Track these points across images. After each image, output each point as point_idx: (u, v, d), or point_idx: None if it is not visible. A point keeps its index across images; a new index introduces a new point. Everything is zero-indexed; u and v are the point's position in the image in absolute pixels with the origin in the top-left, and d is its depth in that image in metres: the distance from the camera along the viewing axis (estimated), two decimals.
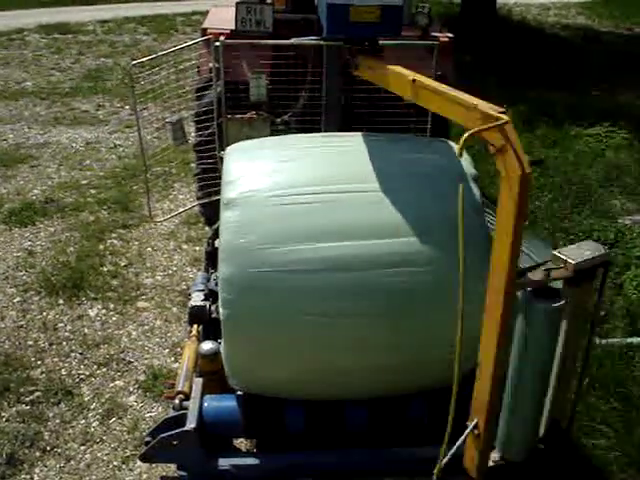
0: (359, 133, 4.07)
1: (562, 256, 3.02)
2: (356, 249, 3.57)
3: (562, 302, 2.99)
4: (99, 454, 4.28)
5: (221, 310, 3.67)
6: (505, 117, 2.69)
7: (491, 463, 3.31)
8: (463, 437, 3.10)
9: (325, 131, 4.97)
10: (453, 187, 3.51)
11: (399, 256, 3.57)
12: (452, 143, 4.14)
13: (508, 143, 2.70)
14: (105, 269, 6.05)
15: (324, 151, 3.87)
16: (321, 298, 3.59)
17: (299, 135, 4.23)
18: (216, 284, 4.72)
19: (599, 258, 3.06)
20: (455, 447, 3.11)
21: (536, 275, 2.98)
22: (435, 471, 3.19)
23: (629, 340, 5.11)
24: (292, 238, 3.56)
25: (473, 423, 3.08)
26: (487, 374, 3.00)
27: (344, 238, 3.57)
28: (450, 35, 5.55)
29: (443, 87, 3.18)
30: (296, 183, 3.64)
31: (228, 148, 4.07)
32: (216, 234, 4.84)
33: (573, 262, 2.99)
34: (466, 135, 2.66)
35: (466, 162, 3.89)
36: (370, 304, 3.61)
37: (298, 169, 3.75)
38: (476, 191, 3.77)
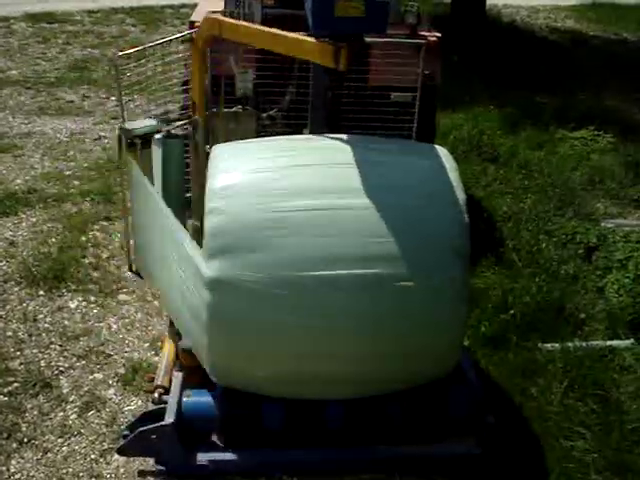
0: (344, 137, 4.06)
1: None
2: (337, 250, 3.59)
3: None
4: (77, 447, 4.25)
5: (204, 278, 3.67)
6: None
7: None
8: None
9: (311, 127, 4.97)
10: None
11: (375, 261, 3.60)
12: (440, 148, 4.16)
13: None
14: (87, 261, 6.01)
15: (311, 164, 3.86)
16: (302, 299, 3.61)
17: (284, 142, 4.20)
18: None
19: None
20: None
21: None
22: None
23: (609, 343, 5.14)
24: (274, 241, 3.59)
25: None
26: None
27: (324, 236, 3.61)
28: (438, 35, 5.57)
29: None
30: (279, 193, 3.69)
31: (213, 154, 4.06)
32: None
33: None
34: None
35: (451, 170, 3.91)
36: (349, 305, 3.63)
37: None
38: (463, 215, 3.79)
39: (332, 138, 4.08)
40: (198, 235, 4.11)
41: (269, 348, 3.70)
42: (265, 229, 3.57)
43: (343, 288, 3.58)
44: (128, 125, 4.99)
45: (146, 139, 4.90)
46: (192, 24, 5.38)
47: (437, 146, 4.14)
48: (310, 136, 4.39)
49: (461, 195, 3.77)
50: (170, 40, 5.26)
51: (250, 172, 3.75)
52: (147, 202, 4.52)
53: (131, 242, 5.55)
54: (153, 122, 4.97)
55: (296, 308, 3.60)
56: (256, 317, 3.62)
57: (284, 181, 3.68)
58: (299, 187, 3.67)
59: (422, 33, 5.48)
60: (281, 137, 4.41)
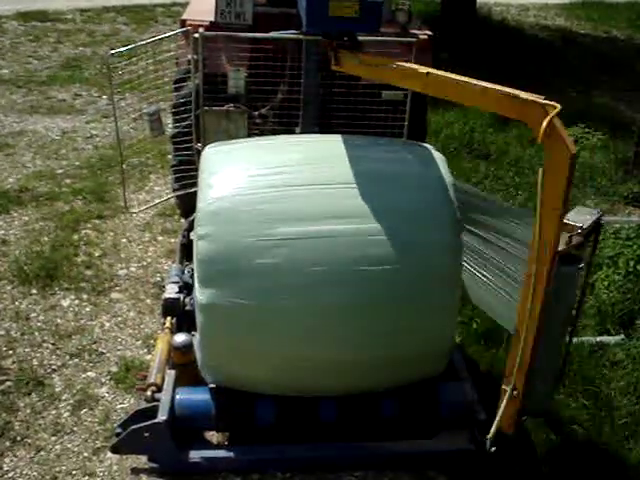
0: (337, 142, 4.07)
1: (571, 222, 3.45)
2: (329, 245, 3.62)
3: (582, 265, 3.47)
4: (69, 445, 4.26)
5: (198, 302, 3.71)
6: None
7: None
8: (504, 401, 3.41)
9: (303, 126, 4.99)
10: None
11: (371, 257, 3.62)
12: (429, 147, 4.19)
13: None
14: (79, 259, 6.01)
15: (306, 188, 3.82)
16: (296, 298, 3.64)
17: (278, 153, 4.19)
18: (190, 277, 4.74)
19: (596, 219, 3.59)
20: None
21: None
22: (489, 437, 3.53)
23: (599, 339, 5.17)
24: (265, 268, 3.61)
25: (511, 385, 3.38)
26: (528, 339, 3.27)
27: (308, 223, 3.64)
28: (429, 33, 5.58)
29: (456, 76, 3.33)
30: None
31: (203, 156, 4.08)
32: (191, 226, 4.84)
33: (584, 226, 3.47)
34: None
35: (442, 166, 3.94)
36: (343, 300, 3.66)
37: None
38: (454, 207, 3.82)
39: (324, 143, 4.08)
40: None
41: (262, 350, 3.74)
42: (256, 257, 3.59)
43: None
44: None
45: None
46: (183, 22, 5.38)
47: (428, 146, 4.18)
48: (304, 141, 4.35)
49: (452, 195, 3.81)
50: (162, 38, 5.27)
51: (242, 194, 3.69)
52: None
53: None
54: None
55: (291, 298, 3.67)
56: (248, 335, 3.71)
57: (277, 205, 3.65)
58: (292, 212, 3.65)
59: (413, 31, 5.49)
60: (274, 140, 4.36)
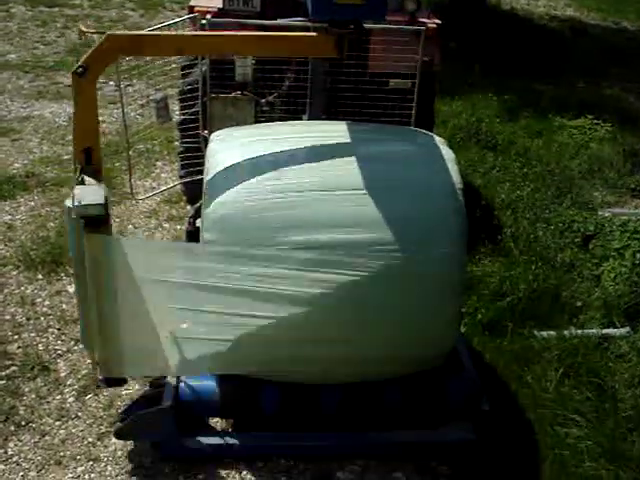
0: (345, 127, 4.05)
1: None
2: (327, 239, 3.62)
3: None
4: (74, 430, 4.27)
5: None
6: None
7: None
8: None
9: (310, 114, 4.97)
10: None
11: (367, 246, 3.62)
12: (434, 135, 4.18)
13: None
14: None
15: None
16: (296, 285, 3.64)
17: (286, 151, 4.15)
18: None
19: None
20: None
21: None
22: None
23: (604, 331, 5.16)
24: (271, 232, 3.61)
25: None
26: None
27: (315, 231, 3.63)
28: (438, 21, 5.56)
29: None
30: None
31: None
32: (197, 213, 4.84)
33: None
34: None
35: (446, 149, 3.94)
36: (340, 290, 3.66)
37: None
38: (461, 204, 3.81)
39: (331, 135, 4.06)
40: None
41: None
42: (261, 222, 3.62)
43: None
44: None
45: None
46: (191, 8, 5.37)
47: (435, 136, 4.16)
48: (309, 135, 4.30)
49: (458, 182, 3.79)
50: (169, 25, 5.25)
51: (249, 200, 3.66)
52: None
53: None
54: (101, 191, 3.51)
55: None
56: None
57: (284, 212, 3.63)
58: (299, 220, 3.64)
59: (421, 20, 5.47)
60: (284, 132, 4.23)
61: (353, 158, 3.78)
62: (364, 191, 3.66)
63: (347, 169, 3.76)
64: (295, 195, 3.66)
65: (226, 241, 3.61)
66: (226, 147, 4.01)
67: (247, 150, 3.93)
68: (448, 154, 3.94)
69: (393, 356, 3.88)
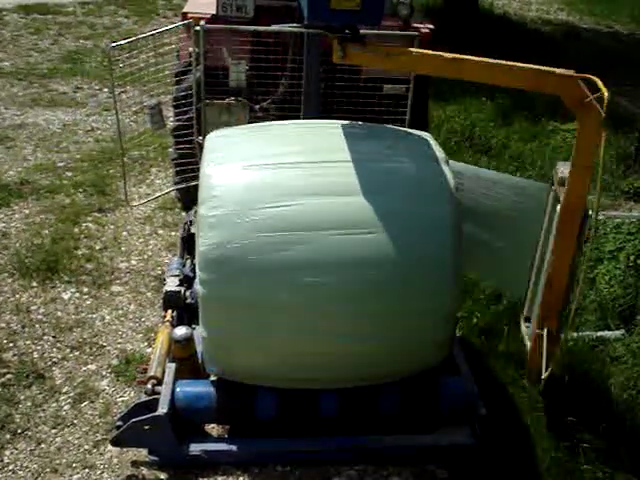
0: (339, 125, 4.06)
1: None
2: (329, 241, 3.63)
3: None
4: (70, 438, 4.26)
5: (200, 292, 3.72)
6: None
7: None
8: (545, 344, 4.15)
9: (304, 119, 4.98)
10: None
11: (371, 248, 3.63)
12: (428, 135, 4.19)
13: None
14: (80, 252, 6.01)
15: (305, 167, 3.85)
16: (297, 288, 3.64)
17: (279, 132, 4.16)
18: (191, 270, 4.74)
19: None
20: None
21: None
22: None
23: (600, 333, 5.17)
24: (270, 230, 3.62)
25: (546, 330, 4.22)
26: (560, 285, 4.27)
27: (318, 229, 3.65)
28: (431, 26, 5.58)
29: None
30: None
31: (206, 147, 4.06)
32: (192, 220, 4.84)
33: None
34: None
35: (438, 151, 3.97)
36: (344, 289, 3.67)
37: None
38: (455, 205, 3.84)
39: (324, 138, 4.07)
40: None
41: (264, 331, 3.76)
42: (257, 255, 3.64)
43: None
44: None
45: None
46: (185, 15, 5.38)
47: (431, 141, 4.17)
48: (304, 136, 4.32)
49: (450, 183, 3.82)
50: (163, 31, 5.26)
51: (247, 207, 3.68)
52: None
53: None
54: None
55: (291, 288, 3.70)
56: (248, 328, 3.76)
57: (280, 221, 3.65)
58: (296, 225, 3.66)
59: (415, 25, 5.49)
60: (281, 137, 4.25)
61: (350, 164, 3.83)
62: (360, 195, 3.69)
63: (339, 170, 3.82)
64: (287, 198, 3.71)
65: (221, 241, 3.69)
66: (220, 147, 4.06)
67: (241, 150, 4.02)
68: (440, 155, 3.99)
69: (391, 358, 3.89)
